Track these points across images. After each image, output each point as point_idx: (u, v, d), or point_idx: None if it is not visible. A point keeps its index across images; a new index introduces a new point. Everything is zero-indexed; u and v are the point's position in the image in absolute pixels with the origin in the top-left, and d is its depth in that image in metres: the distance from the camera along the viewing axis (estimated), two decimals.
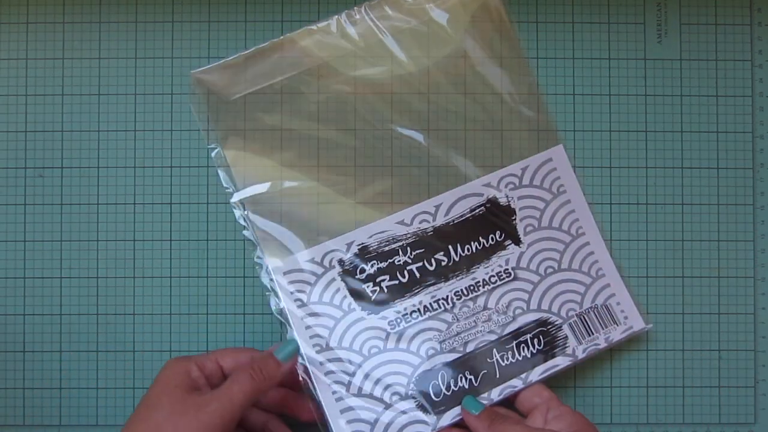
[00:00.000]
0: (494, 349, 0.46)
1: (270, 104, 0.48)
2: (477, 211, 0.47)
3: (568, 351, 0.47)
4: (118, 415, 0.48)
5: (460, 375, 0.46)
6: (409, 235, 0.47)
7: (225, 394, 0.39)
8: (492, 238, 0.47)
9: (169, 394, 0.38)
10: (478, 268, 0.47)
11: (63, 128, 0.49)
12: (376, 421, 0.45)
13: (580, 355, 0.47)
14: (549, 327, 0.47)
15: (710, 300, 0.49)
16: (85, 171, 0.48)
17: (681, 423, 0.49)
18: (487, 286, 0.47)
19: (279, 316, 0.46)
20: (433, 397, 0.45)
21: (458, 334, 0.46)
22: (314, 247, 0.46)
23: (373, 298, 0.46)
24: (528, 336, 0.47)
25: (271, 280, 0.46)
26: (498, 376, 0.46)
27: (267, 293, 0.47)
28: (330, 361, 0.45)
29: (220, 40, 0.49)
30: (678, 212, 0.49)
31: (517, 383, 0.46)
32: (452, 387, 0.45)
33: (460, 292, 0.47)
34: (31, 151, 0.48)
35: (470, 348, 0.46)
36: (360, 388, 0.45)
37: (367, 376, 0.45)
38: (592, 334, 0.47)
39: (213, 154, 0.48)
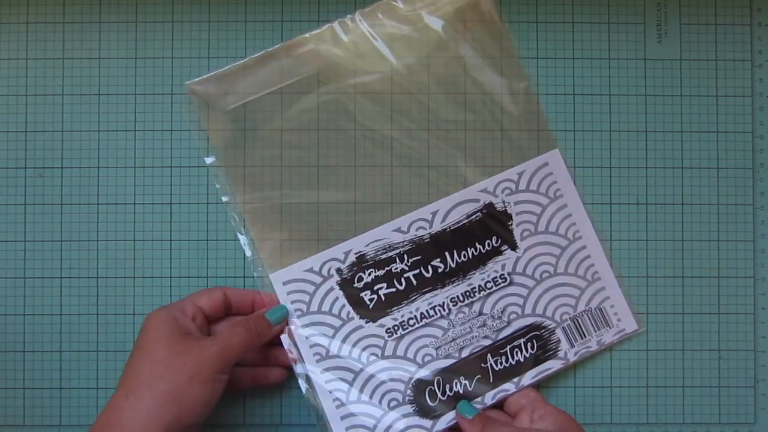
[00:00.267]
0: (488, 354, 0.47)
1: (265, 114, 0.48)
2: (474, 217, 0.48)
3: (561, 354, 0.47)
4: None
5: (455, 380, 0.46)
6: (405, 243, 0.47)
7: (224, 341, 0.41)
8: (488, 244, 0.47)
9: (165, 338, 0.40)
10: (474, 274, 0.47)
11: (63, 128, 0.49)
12: (375, 426, 0.46)
13: (572, 358, 0.47)
14: (542, 331, 0.47)
15: (710, 300, 0.49)
16: (85, 171, 0.48)
17: (681, 423, 0.49)
18: (482, 292, 0.47)
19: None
20: (429, 402, 0.46)
21: (454, 340, 0.47)
22: (312, 256, 0.47)
23: (371, 306, 0.47)
24: (522, 340, 0.47)
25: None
26: (491, 380, 0.47)
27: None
28: (330, 369, 0.46)
29: (220, 40, 0.49)
30: (678, 212, 0.49)
31: (509, 387, 0.47)
32: (447, 392, 0.46)
33: (456, 299, 0.47)
34: (31, 151, 0.48)
35: (465, 353, 0.47)
36: (359, 395, 0.46)
37: (365, 383, 0.46)
38: (585, 337, 0.48)
39: (209, 164, 0.48)
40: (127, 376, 0.40)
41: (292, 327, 0.46)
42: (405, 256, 0.47)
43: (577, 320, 0.48)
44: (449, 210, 0.48)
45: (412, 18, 0.48)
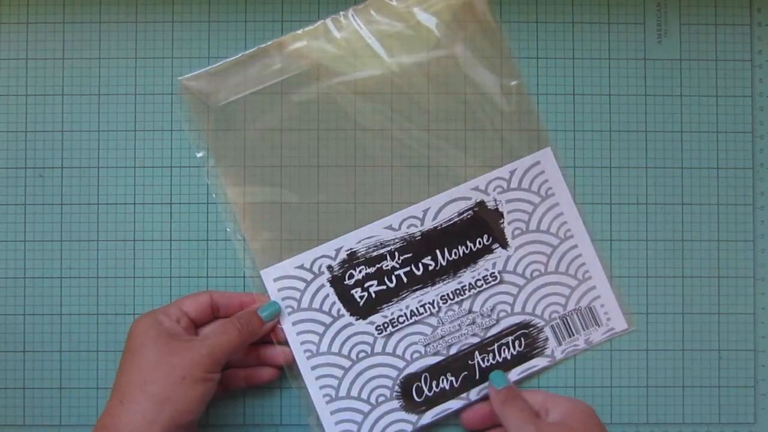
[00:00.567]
0: (476, 352, 0.47)
1: (257, 110, 0.48)
2: (465, 215, 0.48)
3: (548, 352, 0.48)
4: None
5: (442, 377, 0.47)
6: (396, 240, 0.47)
7: (215, 342, 0.41)
8: (479, 242, 0.48)
9: (152, 342, 0.40)
10: (465, 272, 0.47)
11: (63, 128, 0.49)
12: (363, 420, 0.46)
13: (559, 356, 0.48)
14: (531, 329, 0.48)
15: (710, 300, 0.49)
16: (85, 171, 0.48)
17: (681, 423, 0.49)
18: (473, 290, 0.47)
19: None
20: (415, 397, 0.47)
21: (442, 337, 0.47)
22: (303, 253, 0.47)
23: (361, 303, 0.47)
24: (510, 338, 0.48)
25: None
26: (478, 377, 0.47)
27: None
28: (320, 366, 0.47)
29: (220, 40, 0.49)
30: (678, 212, 0.49)
31: None
32: (434, 388, 0.47)
33: (446, 296, 0.47)
34: (31, 151, 0.48)
35: (453, 351, 0.47)
36: (348, 391, 0.46)
37: (355, 379, 0.47)
38: (573, 335, 0.48)
39: (200, 158, 0.48)
40: (120, 381, 0.40)
41: (283, 324, 0.46)
42: (396, 253, 0.47)
43: (566, 319, 0.48)
44: (441, 208, 0.48)
45: (405, 15, 0.48)
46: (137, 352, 0.40)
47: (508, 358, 0.47)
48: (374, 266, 0.47)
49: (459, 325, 0.47)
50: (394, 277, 0.47)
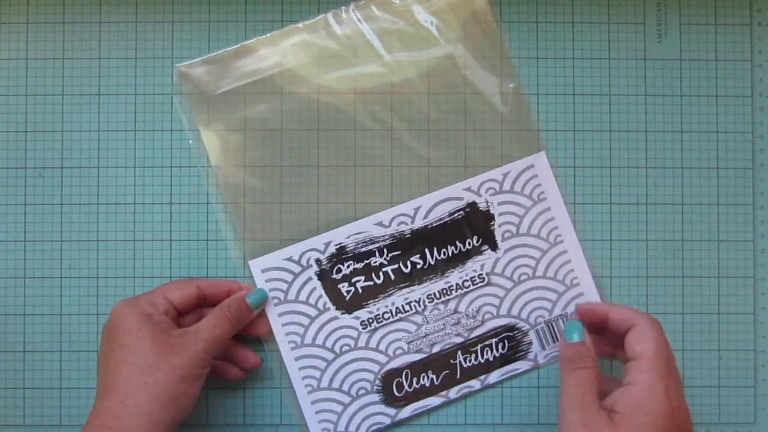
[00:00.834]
0: (458, 351, 0.48)
1: (253, 101, 0.48)
2: (456, 215, 0.48)
3: (531, 356, 0.48)
4: None
5: (423, 374, 0.47)
6: (386, 237, 0.47)
7: (209, 335, 0.41)
8: (469, 243, 0.48)
9: (147, 338, 0.40)
10: (453, 272, 0.48)
11: (63, 128, 0.49)
12: (343, 411, 0.47)
13: (541, 360, 0.48)
14: (515, 332, 0.48)
15: (710, 300, 0.49)
16: (85, 171, 0.48)
17: None
18: (459, 291, 0.48)
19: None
20: (395, 392, 0.47)
21: (426, 335, 0.47)
22: (292, 245, 0.47)
23: (347, 298, 0.47)
24: (493, 340, 0.48)
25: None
26: (458, 376, 0.48)
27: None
28: (304, 357, 0.47)
29: (220, 40, 0.49)
30: (678, 212, 0.49)
31: (475, 384, 0.48)
32: (414, 384, 0.47)
33: (432, 295, 0.47)
34: (31, 151, 0.48)
35: (436, 349, 0.47)
36: (330, 383, 0.47)
37: (337, 371, 0.47)
38: (557, 341, 0.48)
39: (192, 148, 0.48)
40: (115, 379, 0.39)
41: (268, 315, 0.47)
42: (385, 250, 0.47)
43: (552, 324, 0.48)
44: (432, 207, 0.48)
45: (406, 13, 0.48)
46: (130, 349, 0.40)
47: (491, 359, 0.48)
48: (362, 262, 0.47)
49: (444, 324, 0.47)
50: (381, 274, 0.47)
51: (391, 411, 0.47)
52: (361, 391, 0.47)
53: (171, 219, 0.48)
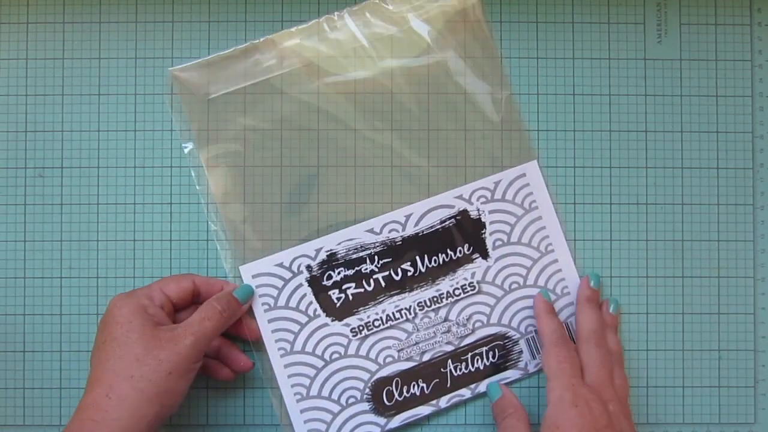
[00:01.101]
0: (449, 360, 0.47)
1: (246, 105, 0.48)
2: (447, 223, 0.48)
3: (521, 365, 0.48)
4: None
5: (414, 383, 0.47)
6: (377, 244, 0.47)
7: (199, 329, 0.41)
8: (460, 251, 0.48)
9: (138, 333, 0.40)
10: (444, 280, 0.48)
11: (63, 128, 0.49)
12: (332, 420, 0.47)
13: (532, 369, 0.48)
14: (506, 341, 0.48)
15: (710, 300, 0.49)
16: (85, 171, 0.48)
17: (681, 423, 0.49)
18: (450, 299, 0.47)
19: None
20: (385, 401, 0.47)
21: (417, 343, 0.47)
22: (283, 251, 0.47)
23: (338, 305, 0.47)
24: (484, 349, 0.48)
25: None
26: (449, 385, 0.47)
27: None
28: (293, 364, 0.47)
29: (220, 41, 0.49)
30: (678, 212, 0.49)
31: (465, 393, 0.47)
32: (404, 393, 0.47)
33: (423, 303, 0.47)
34: (31, 151, 0.48)
35: (426, 357, 0.47)
36: (319, 391, 0.47)
37: (326, 379, 0.47)
38: None
39: (186, 152, 0.48)
40: (102, 370, 0.39)
41: (258, 321, 0.47)
42: (376, 257, 0.47)
43: None
44: (423, 214, 0.48)
45: (399, 20, 0.48)
46: (120, 342, 0.40)
47: (481, 368, 0.48)
48: (353, 269, 0.47)
49: (434, 332, 0.47)
50: (372, 281, 0.47)
51: (381, 420, 0.47)
52: (351, 400, 0.47)
53: (171, 219, 0.48)
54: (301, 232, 0.48)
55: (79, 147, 0.49)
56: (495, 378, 0.48)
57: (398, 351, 0.47)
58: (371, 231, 0.48)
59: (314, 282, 0.47)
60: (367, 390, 0.47)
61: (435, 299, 0.47)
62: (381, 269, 0.47)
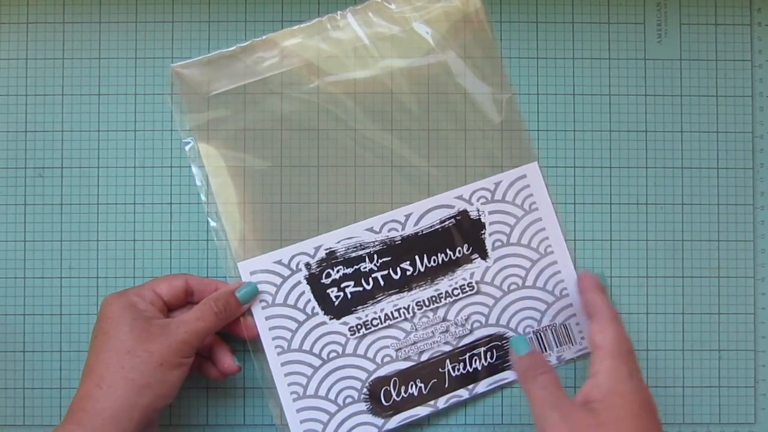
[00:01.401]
0: (447, 360, 0.47)
1: (247, 103, 0.48)
2: (447, 223, 0.48)
3: None
4: None
5: (411, 383, 0.47)
6: (377, 243, 0.47)
7: (192, 326, 0.41)
8: (459, 251, 0.48)
9: (129, 326, 0.40)
10: (443, 279, 0.47)
11: (63, 128, 0.49)
12: (329, 421, 0.46)
13: None
14: (504, 342, 0.48)
15: (710, 300, 0.49)
16: (85, 171, 0.48)
17: (681, 423, 0.49)
18: (449, 298, 0.47)
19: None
20: (383, 401, 0.47)
21: (415, 343, 0.47)
22: (282, 248, 0.47)
23: (336, 303, 0.47)
24: (482, 349, 0.48)
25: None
26: (447, 385, 0.47)
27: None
28: (290, 362, 0.47)
29: (220, 41, 0.49)
30: (678, 212, 0.49)
31: (463, 393, 0.47)
32: (402, 393, 0.47)
33: (421, 303, 0.47)
34: (31, 151, 0.48)
35: (424, 357, 0.47)
36: (316, 390, 0.46)
37: (324, 378, 0.47)
38: (545, 351, 0.48)
39: (187, 149, 0.48)
40: (94, 363, 0.40)
41: (255, 318, 0.46)
42: (375, 256, 0.47)
43: (540, 334, 0.48)
44: (423, 214, 0.48)
45: (401, 20, 0.48)
46: (112, 335, 0.40)
47: (479, 368, 0.47)
48: (352, 267, 0.47)
49: (432, 332, 0.47)
50: (371, 280, 0.47)
51: (379, 421, 0.47)
52: (348, 400, 0.47)
53: (171, 219, 0.48)
54: (301, 232, 0.48)
55: (79, 147, 0.48)
56: (493, 379, 0.48)
57: (396, 350, 0.47)
58: (371, 230, 0.48)
59: (313, 280, 0.47)
60: (365, 390, 0.47)
61: (434, 299, 0.47)
62: (380, 268, 0.47)
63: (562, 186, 0.49)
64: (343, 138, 0.48)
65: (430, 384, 0.47)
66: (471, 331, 0.48)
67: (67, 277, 0.48)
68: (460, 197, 0.48)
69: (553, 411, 0.39)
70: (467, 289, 0.48)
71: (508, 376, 0.48)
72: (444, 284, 0.47)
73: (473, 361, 0.47)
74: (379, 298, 0.47)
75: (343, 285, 0.47)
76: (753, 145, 0.50)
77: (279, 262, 0.47)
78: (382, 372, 0.47)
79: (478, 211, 0.48)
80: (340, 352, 0.47)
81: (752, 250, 0.49)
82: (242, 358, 0.48)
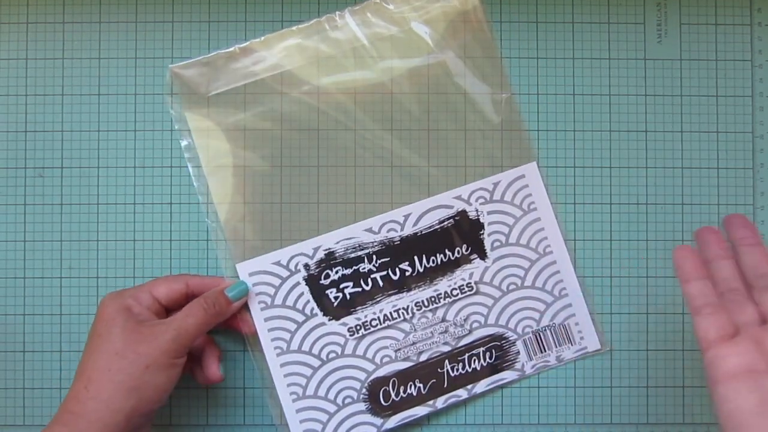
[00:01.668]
0: (446, 360, 0.47)
1: (246, 104, 0.48)
2: (446, 223, 0.48)
3: (518, 366, 0.48)
4: None
5: (410, 383, 0.47)
6: (375, 244, 0.47)
7: (180, 324, 0.41)
8: (458, 251, 0.48)
9: (120, 329, 0.40)
10: (442, 280, 0.47)
11: (63, 128, 0.49)
12: (328, 420, 0.46)
13: (529, 371, 0.48)
14: (503, 342, 0.48)
15: None
16: (85, 171, 0.48)
17: (681, 423, 0.49)
18: (448, 299, 0.47)
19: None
20: (382, 401, 0.47)
21: (414, 343, 0.47)
22: (281, 249, 0.47)
23: (335, 304, 0.47)
24: (481, 350, 0.48)
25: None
26: (446, 385, 0.47)
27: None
28: (289, 363, 0.47)
29: (219, 41, 0.49)
30: (678, 212, 0.49)
31: (462, 393, 0.47)
32: (401, 393, 0.47)
33: (420, 303, 0.47)
34: (31, 151, 0.48)
35: (423, 358, 0.47)
36: (316, 390, 0.47)
37: (323, 379, 0.47)
38: (545, 351, 0.48)
39: (185, 149, 0.48)
40: (85, 365, 0.40)
41: (254, 319, 0.46)
42: (374, 256, 0.47)
43: (539, 334, 0.48)
44: (422, 214, 0.48)
45: (400, 20, 0.48)
46: (103, 337, 0.40)
47: (478, 369, 0.47)
48: (351, 268, 0.47)
49: (431, 332, 0.47)
50: (370, 280, 0.47)
51: (378, 421, 0.47)
52: (348, 400, 0.47)
53: (171, 219, 0.48)
54: (301, 232, 0.48)
55: (79, 147, 0.49)
56: (492, 379, 0.48)
57: (395, 351, 0.47)
58: (370, 230, 0.48)
59: (312, 281, 0.47)
60: (364, 390, 0.47)
61: (433, 299, 0.47)
62: (379, 269, 0.47)
63: (562, 186, 0.49)
64: (342, 138, 0.48)
65: (429, 384, 0.47)
66: (470, 332, 0.48)
67: (67, 277, 0.48)
68: (458, 197, 0.48)
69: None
70: (466, 289, 0.48)
71: (506, 376, 0.48)
72: (443, 284, 0.47)
73: (472, 361, 0.47)
74: (378, 299, 0.47)
75: (342, 286, 0.47)
76: (753, 145, 0.50)
77: (278, 263, 0.47)
78: (381, 372, 0.47)
79: (477, 211, 0.48)
80: (340, 353, 0.47)
81: None
82: (242, 358, 0.48)
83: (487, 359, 0.48)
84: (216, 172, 0.48)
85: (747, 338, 0.33)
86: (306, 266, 0.47)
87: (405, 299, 0.47)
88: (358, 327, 0.47)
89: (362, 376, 0.47)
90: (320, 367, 0.47)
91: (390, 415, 0.47)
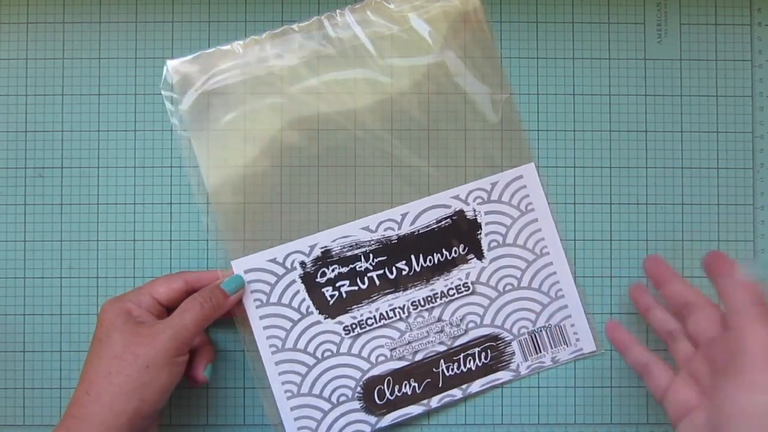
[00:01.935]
0: (441, 360, 0.47)
1: (243, 100, 0.48)
2: (443, 222, 0.48)
3: (513, 366, 0.48)
4: None
5: (405, 382, 0.47)
6: (372, 242, 0.47)
7: (177, 321, 0.41)
8: (455, 251, 0.48)
9: (119, 330, 0.41)
10: (438, 279, 0.47)
11: (63, 128, 0.49)
12: (322, 418, 0.47)
13: (524, 371, 0.48)
14: (498, 342, 0.48)
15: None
16: (85, 171, 0.48)
17: None
18: (444, 299, 0.47)
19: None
20: (377, 400, 0.47)
21: (409, 343, 0.47)
22: (277, 247, 0.47)
23: (331, 302, 0.47)
24: (476, 350, 0.48)
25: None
26: (440, 385, 0.47)
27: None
28: (284, 361, 0.47)
29: (220, 40, 0.49)
30: (678, 212, 0.49)
31: (456, 393, 0.47)
32: (396, 392, 0.47)
33: (416, 302, 0.47)
34: (31, 151, 0.49)
35: (419, 357, 0.47)
36: (310, 388, 0.47)
37: (318, 377, 0.47)
38: (540, 352, 0.48)
39: (183, 146, 0.48)
40: (86, 370, 0.40)
41: (249, 317, 0.46)
42: (371, 255, 0.47)
43: (535, 335, 0.48)
44: (419, 213, 0.48)
45: (400, 19, 0.48)
46: (103, 342, 0.40)
47: (473, 369, 0.48)
48: (348, 266, 0.47)
49: (427, 332, 0.47)
50: (366, 279, 0.47)
51: (372, 419, 0.47)
52: (342, 398, 0.47)
53: (171, 219, 0.48)
54: (300, 232, 0.48)
55: (79, 147, 0.49)
56: (486, 379, 0.48)
57: (391, 350, 0.47)
58: (367, 229, 0.48)
59: (308, 279, 0.47)
60: (359, 388, 0.47)
61: (429, 299, 0.47)
62: (375, 267, 0.47)
63: (562, 186, 0.49)
64: (341, 137, 0.48)
65: (424, 383, 0.47)
66: (466, 332, 0.48)
67: (67, 277, 0.48)
68: (456, 197, 0.48)
69: None
70: (462, 289, 0.48)
71: (501, 376, 0.48)
72: (439, 284, 0.47)
73: (467, 361, 0.47)
74: (374, 298, 0.47)
75: (338, 284, 0.47)
76: (753, 145, 0.50)
77: (273, 261, 0.47)
78: (376, 371, 0.47)
79: (475, 211, 0.48)
80: (335, 351, 0.47)
81: (752, 250, 0.49)
82: (242, 358, 0.48)
83: (483, 359, 0.48)
84: (214, 169, 0.48)
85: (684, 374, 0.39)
86: (302, 264, 0.47)
87: (401, 298, 0.47)
88: (354, 326, 0.47)
89: (357, 374, 0.47)
90: (315, 365, 0.47)
91: (384, 414, 0.47)
